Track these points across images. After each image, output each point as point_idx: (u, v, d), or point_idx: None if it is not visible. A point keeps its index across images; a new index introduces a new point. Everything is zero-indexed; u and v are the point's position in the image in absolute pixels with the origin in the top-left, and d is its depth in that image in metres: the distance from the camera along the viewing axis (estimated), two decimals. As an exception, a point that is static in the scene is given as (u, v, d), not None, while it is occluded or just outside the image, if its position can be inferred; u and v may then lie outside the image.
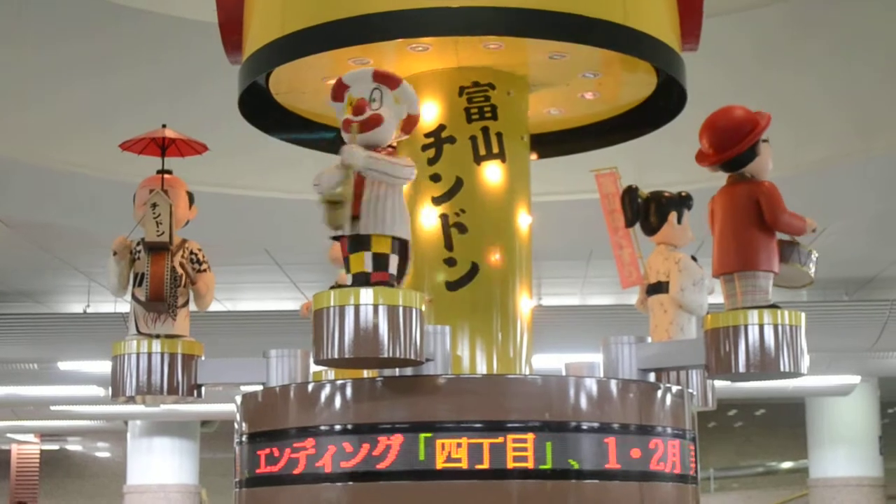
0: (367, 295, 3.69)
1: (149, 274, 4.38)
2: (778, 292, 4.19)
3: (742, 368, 3.98)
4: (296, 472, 3.94)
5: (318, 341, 3.74)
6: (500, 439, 3.81)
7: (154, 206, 4.41)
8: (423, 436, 3.81)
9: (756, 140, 4.17)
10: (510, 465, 3.80)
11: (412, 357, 3.74)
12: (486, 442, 3.80)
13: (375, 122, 3.80)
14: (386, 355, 3.69)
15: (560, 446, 3.84)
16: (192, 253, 4.55)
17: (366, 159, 3.73)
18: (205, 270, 4.56)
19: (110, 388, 4.45)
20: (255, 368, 4.35)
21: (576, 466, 3.85)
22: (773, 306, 4.04)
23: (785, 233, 4.20)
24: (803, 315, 4.06)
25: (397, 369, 3.91)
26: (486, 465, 3.79)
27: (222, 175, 9.07)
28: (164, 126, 4.60)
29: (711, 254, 4.20)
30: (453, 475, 3.79)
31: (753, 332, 3.97)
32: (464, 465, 3.79)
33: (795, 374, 4.01)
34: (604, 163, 4.74)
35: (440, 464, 3.79)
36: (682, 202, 4.79)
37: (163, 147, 4.58)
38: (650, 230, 4.78)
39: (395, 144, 3.90)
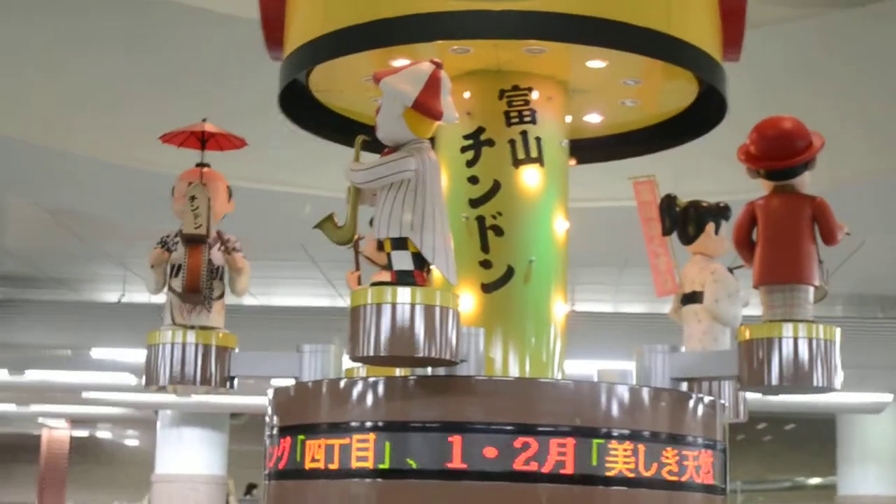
0: (404, 294, 3.71)
1: (186, 266, 4.42)
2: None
3: (775, 381, 3.97)
4: (325, 467, 3.96)
5: (354, 338, 3.75)
6: (530, 442, 3.81)
7: (192, 198, 4.44)
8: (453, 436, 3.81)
9: (817, 153, 4.18)
10: (539, 468, 3.80)
11: (447, 357, 3.75)
12: (514, 444, 3.80)
13: (376, 126, 3.87)
14: (421, 355, 3.71)
15: (588, 451, 3.84)
16: (223, 238, 4.58)
17: (347, 173, 3.86)
18: (234, 253, 4.57)
19: (144, 377, 4.49)
20: (288, 362, 4.38)
21: (603, 473, 3.84)
22: (811, 321, 4.04)
23: (834, 246, 4.19)
24: (838, 330, 4.04)
25: (430, 368, 3.92)
26: (514, 468, 3.79)
27: (260, 170, 9.11)
28: (204, 120, 4.63)
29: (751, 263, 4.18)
30: (481, 476, 3.80)
31: (788, 346, 3.96)
32: (492, 466, 3.79)
33: (828, 389, 3.99)
34: (642, 170, 4.73)
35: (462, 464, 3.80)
36: (719, 213, 4.78)
37: (202, 140, 4.61)
38: (687, 240, 4.76)
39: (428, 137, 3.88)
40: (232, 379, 4.46)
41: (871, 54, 8.03)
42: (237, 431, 23.78)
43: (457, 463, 3.81)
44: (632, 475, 3.88)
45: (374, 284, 3.86)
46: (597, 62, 4.41)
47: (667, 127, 4.96)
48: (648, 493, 3.90)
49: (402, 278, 3.79)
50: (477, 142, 4.50)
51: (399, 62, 4.35)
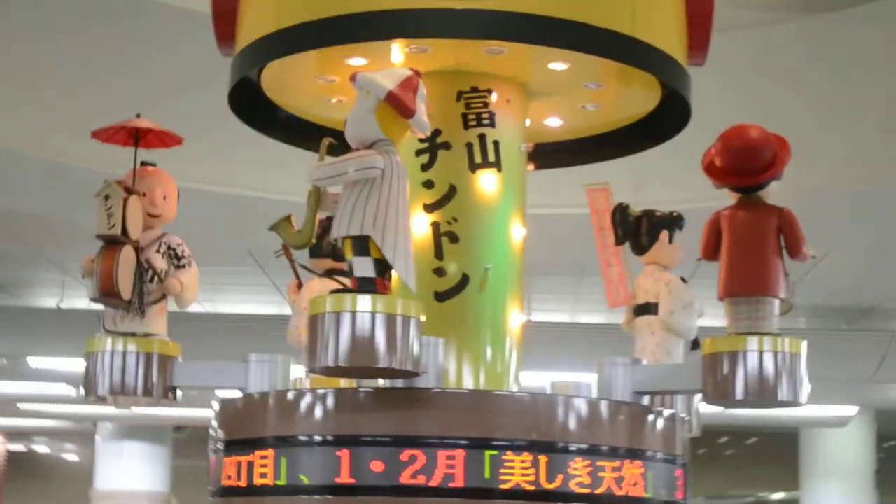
0: (364, 302, 3.59)
1: (98, 269, 4.22)
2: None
3: (740, 395, 3.92)
4: (273, 483, 3.83)
5: (313, 348, 3.63)
6: (484, 456, 3.70)
7: (106, 197, 4.24)
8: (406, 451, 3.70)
9: (780, 171, 4.13)
10: (494, 484, 3.70)
11: (409, 368, 3.64)
12: (466, 458, 3.70)
13: (345, 125, 3.80)
14: (382, 365, 3.59)
15: (548, 466, 3.74)
16: (170, 248, 4.41)
17: (308, 172, 3.77)
18: (185, 266, 4.41)
19: (82, 387, 4.31)
20: (234, 373, 4.24)
21: (561, 488, 3.74)
22: (775, 334, 3.99)
23: (799, 261, 4.14)
24: (804, 343, 4.00)
25: (380, 380, 3.80)
26: (462, 484, 3.69)
27: (206, 172, 8.93)
28: (138, 115, 4.45)
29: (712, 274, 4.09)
30: (433, 493, 3.69)
31: (753, 359, 3.92)
32: (445, 482, 3.69)
33: (794, 403, 3.95)
34: (601, 178, 4.64)
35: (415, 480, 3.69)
36: (673, 222, 4.76)
37: (136, 137, 4.43)
38: (640, 249, 4.74)
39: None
40: (174, 390, 4.30)
41: (846, 59, 7.98)
42: (180, 445, 23.43)
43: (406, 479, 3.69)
44: (590, 492, 3.77)
45: (333, 292, 3.72)
46: (558, 64, 4.31)
47: (629, 133, 4.86)
48: (384, 500, 3.75)
49: (364, 286, 3.67)
50: (433, 145, 4.38)
51: (353, 60, 4.23)
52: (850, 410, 18.50)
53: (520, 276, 4.48)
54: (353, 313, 3.59)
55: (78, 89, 8.57)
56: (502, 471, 3.71)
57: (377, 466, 3.71)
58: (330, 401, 3.85)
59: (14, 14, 7.87)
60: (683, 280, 4.66)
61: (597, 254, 4.64)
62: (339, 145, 3.86)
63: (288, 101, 4.79)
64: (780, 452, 24.95)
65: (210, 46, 4.57)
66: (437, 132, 4.37)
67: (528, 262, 4.54)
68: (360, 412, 3.81)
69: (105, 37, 8.10)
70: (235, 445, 3.99)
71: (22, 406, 20.95)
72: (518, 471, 3.73)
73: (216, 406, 4.19)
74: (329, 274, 4.86)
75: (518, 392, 3.98)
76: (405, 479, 3.69)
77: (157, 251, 4.36)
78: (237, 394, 4.19)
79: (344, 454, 3.74)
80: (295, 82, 4.58)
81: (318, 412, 3.85)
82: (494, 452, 3.72)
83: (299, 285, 4.98)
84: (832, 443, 19.90)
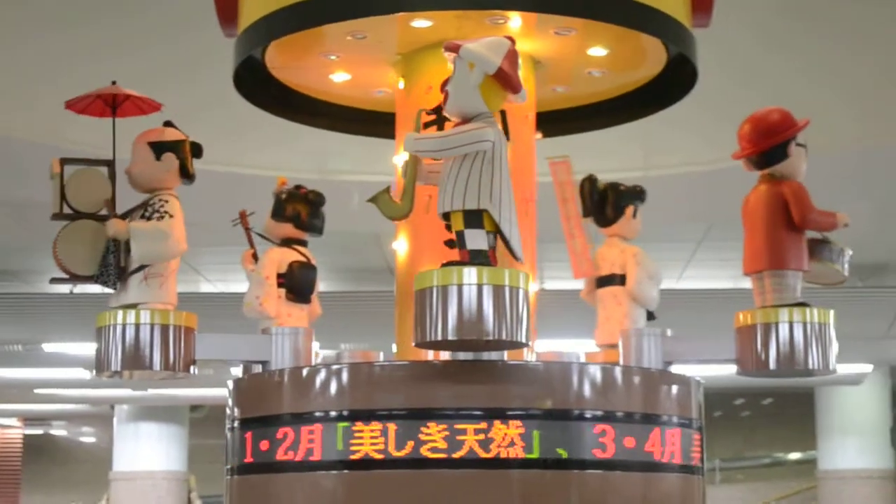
0: (470, 274, 3.56)
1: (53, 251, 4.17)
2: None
3: (773, 366, 4.07)
4: (290, 459, 3.83)
5: (421, 323, 3.60)
6: (500, 427, 3.70)
7: (51, 178, 4.21)
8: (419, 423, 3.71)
9: (785, 140, 4.24)
10: (507, 454, 3.70)
11: (519, 340, 3.61)
12: (479, 429, 3.70)
13: (444, 98, 3.75)
14: (491, 338, 3.56)
15: (560, 435, 3.74)
16: (149, 203, 4.22)
17: (412, 143, 3.72)
18: (150, 218, 4.16)
19: (95, 364, 4.14)
20: (258, 345, 4.16)
21: (578, 457, 3.75)
22: (802, 304, 4.14)
23: (816, 230, 4.27)
24: (832, 312, 4.15)
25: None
26: (484, 454, 3.69)
27: (218, 153, 8.90)
28: (113, 83, 4.36)
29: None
30: (451, 464, 3.69)
31: (784, 330, 4.07)
32: (463, 452, 3.69)
33: (824, 371, 4.10)
34: (567, 153, 4.66)
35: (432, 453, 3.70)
36: (637, 196, 4.83)
37: (113, 106, 4.35)
38: (605, 222, 4.80)
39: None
40: (194, 363, 4.13)
41: (843, 21, 7.91)
42: (197, 425, 23.43)
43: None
44: (606, 458, 3.78)
45: (446, 265, 3.66)
46: (562, 31, 4.29)
47: (635, 98, 4.84)
48: (623, 475, 3.79)
49: (478, 258, 3.63)
50: (440, 117, 4.35)
51: (357, 35, 4.20)
52: (866, 368, 18.43)
53: (532, 244, 4.47)
54: (460, 286, 3.55)
55: (90, 78, 8.55)
56: (516, 441, 3.71)
57: (394, 439, 3.71)
58: (345, 375, 3.85)
59: (30, 5, 7.86)
60: None
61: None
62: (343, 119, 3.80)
63: (293, 79, 4.76)
64: (796, 413, 24.91)
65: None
66: (422, 109, 4.33)
67: (540, 230, 4.54)
68: (375, 386, 3.82)
69: (116, 26, 8.09)
70: (252, 423, 3.99)
71: (39, 391, 21.01)
72: (367, 440, 3.73)
73: (231, 384, 4.18)
74: (287, 243, 4.83)
75: (532, 361, 3.97)
76: (423, 452, 3.70)
77: (143, 216, 4.20)
78: (253, 370, 4.19)
79: (358, 428, 3.75)
80: (297, 60, 4.55)
81: (333, 387, 3.85)
82: (509, 422, 3.71)
83: (255, 255, 4.91)
84: (848, 401, 19.85)
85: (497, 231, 3.65)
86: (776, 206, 4.20)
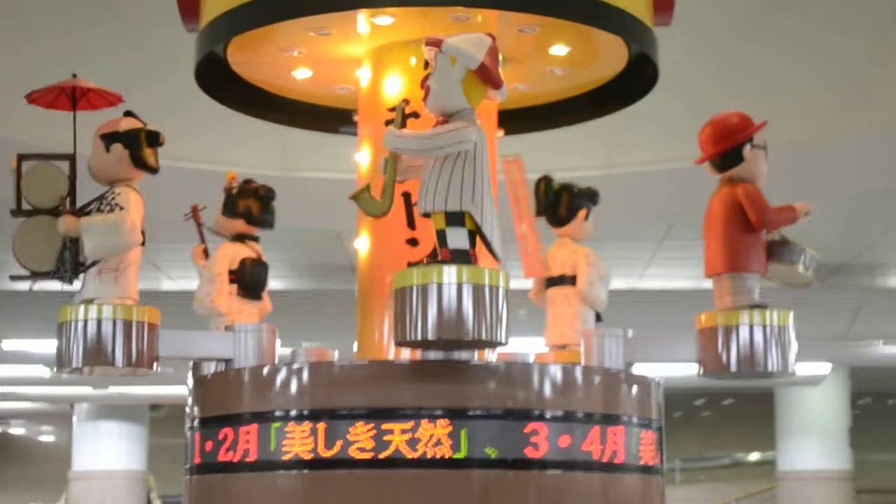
0: (450, 273, 3.54)
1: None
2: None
3: (734, 368, 4.10)
4: (249, 459, 3.80)
5: (401, 322, 3.57)
6: (462, 426, 3.67)
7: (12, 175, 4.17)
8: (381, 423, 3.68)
9: (738, 143, 4.23)
10: (473, 454, 3.67)
11: (499, 339, 3.59)
12: (445, 428, 3.67)
13: (425, 94, 3.70)
14: (471, 337, 3.54)
15: (521, 436, 3.72)
16: (104, 197, 4.12)
17: (393, 140, 3.68)
18: (106, 211, 4.06)
19: (55, 361, 4.04)
20: (221, 342, 4.08)
21: (541, 457, 3.72)
22: (760, 306, 4.15)
23: (777, 228, 4.26)
24: (791, 315, 4.18)
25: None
26: (446, 454, 3.66)
27: (180, 149, 8.83)
28: (74, 75, 4.31)
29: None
30: (411, 464, 3.66)
31: (744, 333, 4.10)
32: (423, 453, 3.66)
33: (784, 374, 4.13)
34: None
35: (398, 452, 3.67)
36: (591, 198, 4.86)
37: (73, 99, 4.29)
38: (558, 222, 4.82)
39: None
40: (157, 360, 4.04)
41: (817, 11, 7.89)
42: (157, 424, 23.30)
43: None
44: (565, 458, 3.75)
45: (427, 263, 3.64)
46: (525, 28, 4.29)
47: (596, 96, 4.85)
48: (583, 475, 3.78)
49: (459, 257, 3.60)
50: (402, 114, 4.32)
51: (319, 32, 4.18)
52: (825, 368, 18.55)
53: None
54: (440, 285, 3.52)
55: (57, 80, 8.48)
56: (480, 440, 3.68)
57: (355, 439, 3.68)
58: (306, 375, 3.82)
59: (32, 13, 7.80)
60: None
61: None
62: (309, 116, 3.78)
63: (254, 75, 4.74)
64: (755, 413, 25.02)
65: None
66: (405, 101, 4.33)
67: (503, 229, 4.53)
68: (337, 385, 3.79)
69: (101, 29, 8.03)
70: (211, 422, 3.96)
71: (-3, 389, 20.85)
72: (298, 440, 3.72)
73: (191, 382, 4.14)
74: (240, 238, 4.80)
75: (492, 362, 3.95)
76: (385, 452, 3.67)
77: (99, 209, 4.10)
78: (213, 368, 4.14)
79: (320, 427, 3.72)
80: (259, 56, 4.53)
81: (294, 386, 3.82)
82: (471, 422, 3.69)
83: (206, 251, 4.86)
84: (807, 401, 19.95)
85: (478, 231, 3.63)
86: (732, 210, 4.20)
